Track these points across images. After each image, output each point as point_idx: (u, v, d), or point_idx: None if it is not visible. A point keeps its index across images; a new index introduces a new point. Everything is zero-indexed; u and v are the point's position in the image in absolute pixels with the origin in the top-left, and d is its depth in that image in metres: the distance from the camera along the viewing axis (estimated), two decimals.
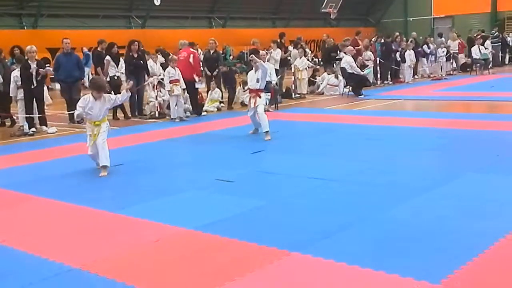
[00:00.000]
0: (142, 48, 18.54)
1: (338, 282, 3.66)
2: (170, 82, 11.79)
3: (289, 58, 16.25)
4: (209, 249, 4.38)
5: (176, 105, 11.87)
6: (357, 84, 15.58)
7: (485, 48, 21.38)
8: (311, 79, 17.33)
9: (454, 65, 22.43)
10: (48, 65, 12.72)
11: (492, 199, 5.33)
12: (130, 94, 7.96)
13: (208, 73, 14.01)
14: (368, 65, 17.40)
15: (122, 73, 12.80)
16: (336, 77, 16.67)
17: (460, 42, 22.52)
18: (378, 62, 18.63)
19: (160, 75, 13.29)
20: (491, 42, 23.20)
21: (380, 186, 5.98)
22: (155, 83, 13.05)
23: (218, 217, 5.16)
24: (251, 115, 9.71)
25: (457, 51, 22.33)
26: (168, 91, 11.89)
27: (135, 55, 12.82)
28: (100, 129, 7.27)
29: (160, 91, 12.96)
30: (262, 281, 3.74)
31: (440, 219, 4.82)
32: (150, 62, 13.78)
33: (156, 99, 12.98)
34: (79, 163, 7.93)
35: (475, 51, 20.70)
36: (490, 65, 21.40)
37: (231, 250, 4.35)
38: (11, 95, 11.48)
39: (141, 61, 12.97)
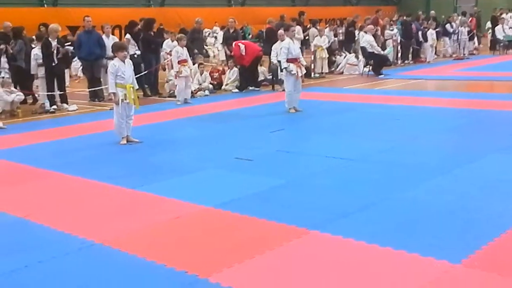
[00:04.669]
0: (161, 27, 18.58)
1: (357, 260, 3.67)
2: (179, 62, 11.42)
3: (307, 37, 16.12)
4: (228, 227, 4.41)
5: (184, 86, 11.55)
6: (377, 63, 15.41)
7: (509, 28, 20.94)
8: (332, 58, 17.16)
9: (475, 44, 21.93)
10: (70, 43, 12.74)
11: None
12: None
13: (228, 52, 14.11)
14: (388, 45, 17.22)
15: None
16: (356, 56, 16.50)
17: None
18: (399, 41, 18.38)
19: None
20: None
21: (401, 166, 5.94)
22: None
23: (238, 195, 5.18)
24: (292, 90, 9.70)
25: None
26: (177, 72, 11.38)
27: (152, 33, 12.85)
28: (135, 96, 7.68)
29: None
30: (281, 259, 3.76)
31: (462, 199, 4.79)
32: (168, 41, 13.81)
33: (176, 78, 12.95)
34: (99, 140, 8.02)
35: (499, 31, 20.30)
36: None
37: (250, 228, 4.37)
38: (32, 72, 11.56)
39: (159, 39, 13.03)
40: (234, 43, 13.36)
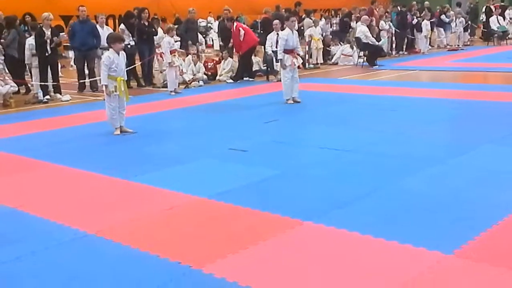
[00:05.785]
0: (156, 17, 18.48)
1: (350, 251, 3.68)
2: (170, 52, 11.34)
3: (302, 27, 16.09)
4: (222, 217, 4.41)
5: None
6: (371, 54, 15.39)
7: (504, 19, 20.96)
8: (326, 48, 17.14)
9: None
10: (63, 33, 12.64)
11: (507, 171, 5.29)
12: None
13: (221, 42, 14.08)
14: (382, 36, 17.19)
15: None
16: (351, 47, 16.49)
17: None
18: (393, 32, 18.35)
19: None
20: None
21: (395, 157, 5.95)
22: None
23: (232, 186, 5.17)
24: (288, 81, 9.66)
25: None
26: (169, 63, 11.31)
27: (146, 23, 12.74)
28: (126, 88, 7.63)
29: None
30: (275, 250, 3.76)
31: (455, 190, 4.80)
32: (160, 32, 13.75)
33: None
34: (92, 131, 7.99)
35: (494, 22, 20.31)
36: (509, 36, 21.02)
37: (244, 218, 4.38)
38: (26, 62, 11.48)
39: (153, 29, 12.92)
40: (236, 24, 13.19)
